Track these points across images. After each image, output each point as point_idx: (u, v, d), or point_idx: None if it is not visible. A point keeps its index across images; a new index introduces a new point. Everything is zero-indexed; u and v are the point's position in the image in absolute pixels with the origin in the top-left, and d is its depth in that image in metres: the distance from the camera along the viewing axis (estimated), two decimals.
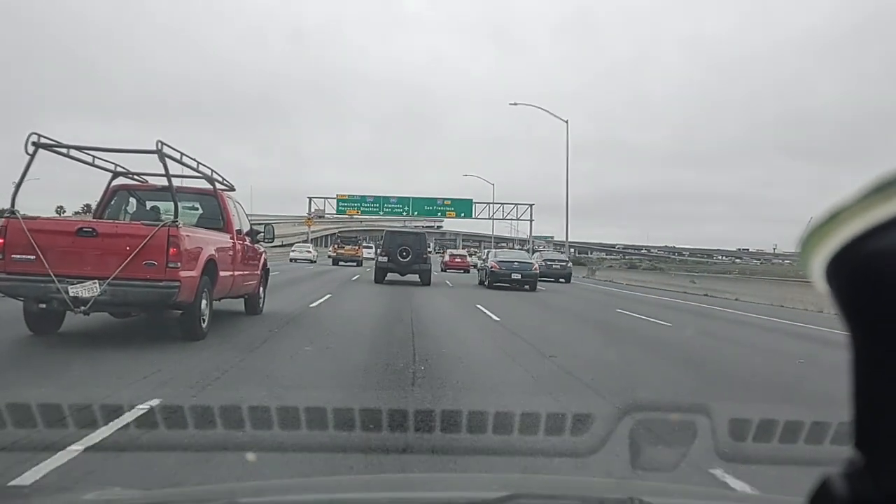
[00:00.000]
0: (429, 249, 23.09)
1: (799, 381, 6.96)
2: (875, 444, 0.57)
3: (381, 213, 71.28)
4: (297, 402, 4.41)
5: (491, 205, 70.64)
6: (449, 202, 72.37)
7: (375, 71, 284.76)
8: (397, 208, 72.44)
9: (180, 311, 7.20)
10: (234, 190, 9.92)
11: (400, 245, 20.78)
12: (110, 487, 2.40)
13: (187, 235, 7.11)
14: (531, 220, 72.00)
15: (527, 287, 20.66)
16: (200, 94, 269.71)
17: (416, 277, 20.19)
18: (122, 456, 3.53)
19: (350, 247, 44.51)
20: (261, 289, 10.34)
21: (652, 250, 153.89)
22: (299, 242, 54.08)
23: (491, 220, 70.90)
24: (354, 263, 38.97)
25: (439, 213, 72.25)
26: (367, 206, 72.66)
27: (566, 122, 28.57)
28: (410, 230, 24.41)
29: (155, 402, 4.38)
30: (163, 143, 7.11)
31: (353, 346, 7.98)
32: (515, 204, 72.60)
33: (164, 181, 7.97)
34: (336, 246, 44.93)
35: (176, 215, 7.15)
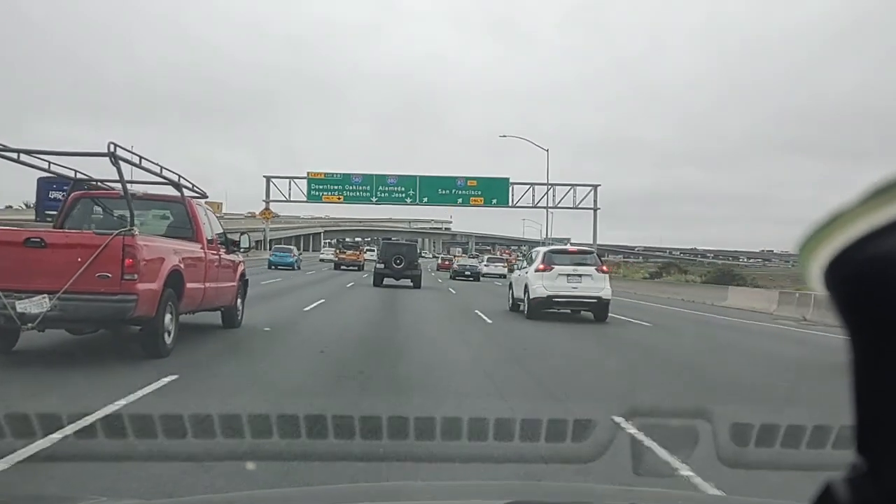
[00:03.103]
0: (421, 256, 33.25)
1: None
2: (877, 448, 0.58)
3: (374, 199, 50.90)
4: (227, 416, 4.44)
5: (537, 186, 50.34)
6: (474, 182, 50.74)
7: (375, 65, 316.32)
8: (398, 193, 50.58)
9: (139, 328, 7.18)
10: (205, 197, 9.94)
11: (395, 254, 25.41)
12: (105, 498, 2.41)
13: (145, 245, 7.00)
14: (595, 209, 52.59)
15: (474, 279, 37.42)
16: (196, 94, 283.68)
17: (409, 282, 25.15)
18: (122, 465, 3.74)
19: (352, 252, 44.16)
20: (238, 300, 10.39)
21: (674, 252, 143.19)
22: (326, 247, 68.22)
23: (546, 210, 51.52)
24: (356, 268, 40.69)
25: (460, 200, 50.76)
26: (352, 191, 50.59)
27: None
28: (404, 241, 30.34)
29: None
30: (115, 145, 6.90)
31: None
32: (573, 185, 52.43)
33: (132, 187, 8.32)
34: (338, 251, 46.66)
35: (132, 223, 7.05)
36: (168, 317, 7.39)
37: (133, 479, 3.51)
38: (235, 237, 10.75)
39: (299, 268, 38.69)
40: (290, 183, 49.67)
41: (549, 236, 48.74)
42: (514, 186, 49.96)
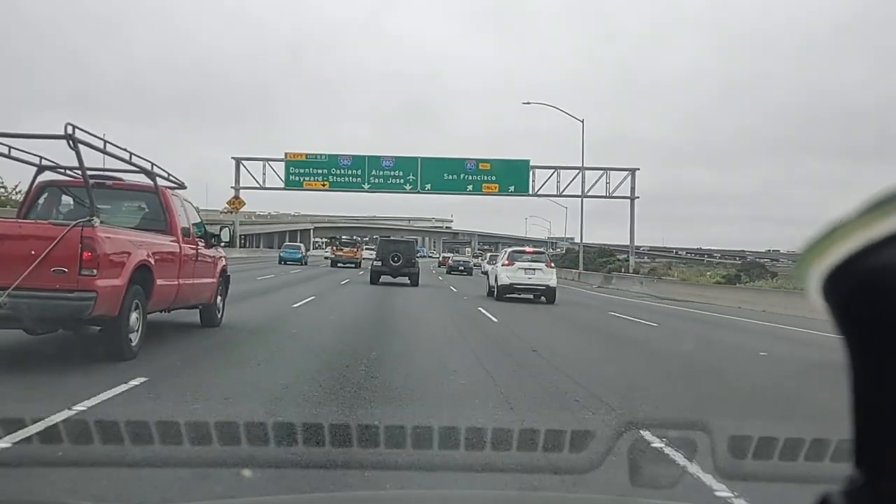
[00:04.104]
0: (418, 254, 31.24)
1: None
2: (875, 461, 0.59)
3: (367, 185, 43.25)
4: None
5: (564, 172, 42.40)
6: (487, 165, 42.74)
7: (372, 61, 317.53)
8: (395, 179, 42.58)
9: (99, 328, 7.08)
10: (184, 188, 9.59)
11: (392, 251, 25.74)
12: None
13: (107, 237, 6.68)
14: (633, 198, 44.21)
15: (466, 273, 42.76)
16: (191, 90, 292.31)
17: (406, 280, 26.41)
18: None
19: (349, 248, 43.45)
20: (218, 298, 10.27)
21: (680, 252, 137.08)
22: (325, 245, 72.06)
23: (580, 200, 45.43)
24: (353, 265, 41.43)
25: (470, 187, 42.67)
26: (340, 176, 42.39)
27: None
28: (402, 239, 31.24)
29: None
30: (74, 127, 6.51)
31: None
32: (606, 169, 44.15)
33: (104, 175, 8.45)
34: (335, 248, 45.64)
35: (92, 213, 6.73)
36: (134, 316, 7.11)
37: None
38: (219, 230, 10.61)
39: (306, 263, 44.59)
40: (264, 166, 41.03)
41: (581, 236, 39.94)
42: (536, 171, 41.06)
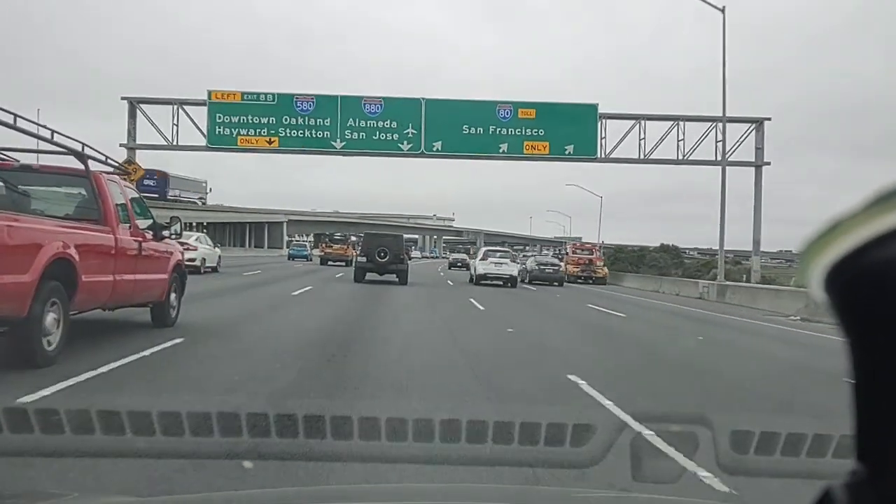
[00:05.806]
0: (408, 251, 31.78)
1: None
2: (877, 455, 0.61)
3: (339, 142, 27.99)
4: None
5: (651, 123, 27.95)
6: (531, 113, 27.80)
7: (372, 56, 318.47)
8: (385, 133, 27.71)
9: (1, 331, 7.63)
10: (127, 173, 9.97)
11: (379, 246, 24.53)
12: (105, 494, 2.48)
13: (8, 226, 6.25)
14: (760, 165, 30.62)
15: (464, 268, 56.14)
16: (185, 85, 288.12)
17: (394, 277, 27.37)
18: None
19: (339, 246, 43.99)
20: (172, 295, 10.15)
21: (691, 252, 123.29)
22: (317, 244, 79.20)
23: (721, 168, 19.92)
24: (343, 263, 41.57)
25: (504, 146, 27.99)
26: (296, 128, 27.54)
27: None
28: (389, 233, 30.58)
29: None
30: None
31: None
32: (716, 120, 29.03)
33: (34, 157, 9.01)
34: (324, 245, 47.28)
35: None
36: (51, 317, 6.81)
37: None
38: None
39: (311, 259, 51.36)
40: (176, 112, 25.14)
41: (721, 227, 25.03)
42: (607, 123, 25.30)
